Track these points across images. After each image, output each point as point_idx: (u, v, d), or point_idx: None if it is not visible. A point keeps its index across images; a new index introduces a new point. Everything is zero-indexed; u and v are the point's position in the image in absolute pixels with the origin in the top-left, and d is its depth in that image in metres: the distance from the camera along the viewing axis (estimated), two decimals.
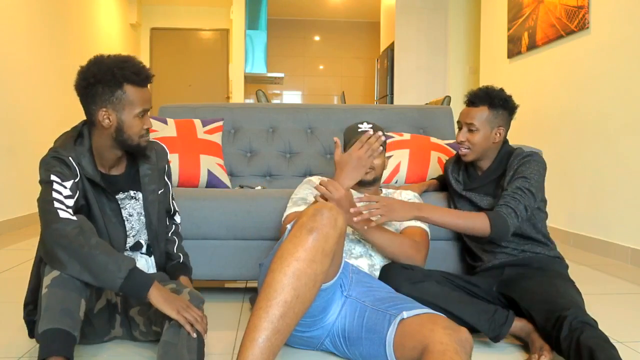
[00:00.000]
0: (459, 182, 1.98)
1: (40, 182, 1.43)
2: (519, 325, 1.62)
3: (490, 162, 1.89)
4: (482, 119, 1.82)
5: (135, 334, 1.59)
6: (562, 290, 1.59)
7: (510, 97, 1.86)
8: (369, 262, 1.73)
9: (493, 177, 1.86)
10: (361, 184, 1.85)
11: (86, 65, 1.50)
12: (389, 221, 1.64)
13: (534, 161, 1.76)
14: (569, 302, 1.50)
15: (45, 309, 1.28)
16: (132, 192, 1.62)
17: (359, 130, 1.82)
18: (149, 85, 1.57)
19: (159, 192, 1.69)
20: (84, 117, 1.54)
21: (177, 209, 1.87)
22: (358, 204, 1.58)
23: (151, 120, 1.73)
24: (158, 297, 1.35)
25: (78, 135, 1.53)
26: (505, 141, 1.92)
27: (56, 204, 1.37)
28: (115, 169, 1.61)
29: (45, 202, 1.38)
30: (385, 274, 1.68)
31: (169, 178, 1.77)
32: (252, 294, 2.17)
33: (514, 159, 1.82)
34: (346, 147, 1.85)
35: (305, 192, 1.86)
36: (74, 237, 1.32)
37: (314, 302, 1.30)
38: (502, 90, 1.86)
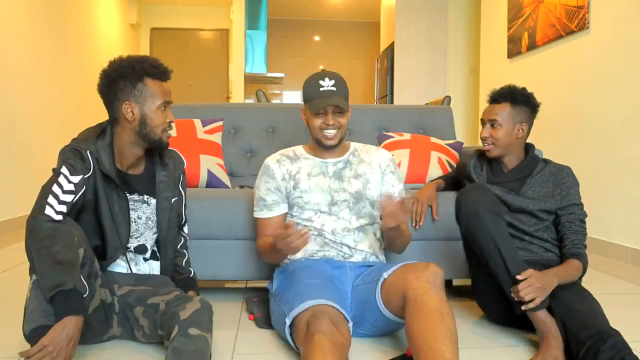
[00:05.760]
0: (482, 175, 2.00)
1: (53, 169, 1.49)
2: (545, 317, 1.57)
3: (516, 161, 1.92)
4: (505, 115, 1.86)
5: (138, 335, 1.58)
6: (596, 305, 1.60)
7: (532, 94, 1.90)
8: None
9: (518, 177, 1.89)
10: (326, 148, 1.78)
11: (107, 65, 1.56)
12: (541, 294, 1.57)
13: (574, 180, 1.86)
14: (606, 321, 1.51)
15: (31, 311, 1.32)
16: (145, 197, 1.65)
17: (321, 90, 1.77)
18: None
19: (172, 200, 1.71)
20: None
21: (187, 219, 1.87)
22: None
23: None
24: (59, 329, 1.27)
25: (101, 131, 1.57)
26: (532, 146, 1.95)
27: (50, 198, 1.41)
28: (133, 170, 1.63)
29: (44, 191, 1.44)
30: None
31: (184, 188, 1.79)
32: (249, 294, 2.17)
33: (556, 171, 1.86)
34: (305, 101, 1.82)
35: (265, 187, 1.81)
36: (41, 236, 1.37)
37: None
38: (524, 88, 1.91)
